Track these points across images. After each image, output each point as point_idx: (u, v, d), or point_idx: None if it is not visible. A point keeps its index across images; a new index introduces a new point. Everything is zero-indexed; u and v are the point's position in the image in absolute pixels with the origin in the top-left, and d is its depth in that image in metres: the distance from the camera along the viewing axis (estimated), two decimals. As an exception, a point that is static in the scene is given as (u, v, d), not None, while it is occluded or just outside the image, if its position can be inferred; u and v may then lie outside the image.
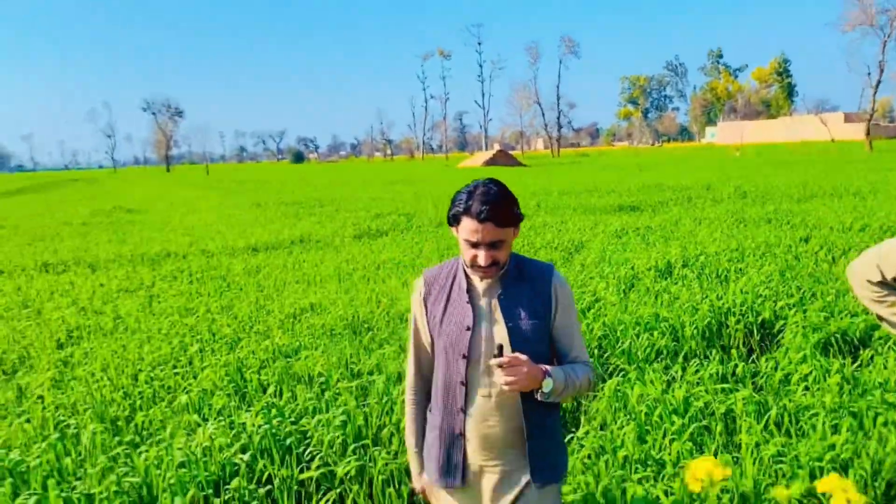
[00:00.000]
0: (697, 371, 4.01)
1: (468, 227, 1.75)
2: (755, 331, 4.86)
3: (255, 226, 13.66)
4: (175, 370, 4.38)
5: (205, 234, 12.44)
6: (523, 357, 1.73)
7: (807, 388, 3.62)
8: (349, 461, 2.90)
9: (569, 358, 1.92)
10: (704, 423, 3.24)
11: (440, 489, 1.94)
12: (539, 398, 1.79)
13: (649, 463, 2.88)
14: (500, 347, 1.74)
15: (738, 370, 4.02)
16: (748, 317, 5.00)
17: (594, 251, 8.14)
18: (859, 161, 29.22)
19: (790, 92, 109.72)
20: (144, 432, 3.46)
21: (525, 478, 1.87)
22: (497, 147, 75.94)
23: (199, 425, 3.35)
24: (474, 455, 1.88)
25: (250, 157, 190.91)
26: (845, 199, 12.80)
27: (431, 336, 1.91)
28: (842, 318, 4.69)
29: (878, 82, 39.52)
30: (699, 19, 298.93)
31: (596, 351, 4.59)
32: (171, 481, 2.70)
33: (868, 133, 39.33)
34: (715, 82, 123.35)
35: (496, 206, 1.73)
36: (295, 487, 2.80)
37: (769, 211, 11.46)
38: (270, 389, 3.84)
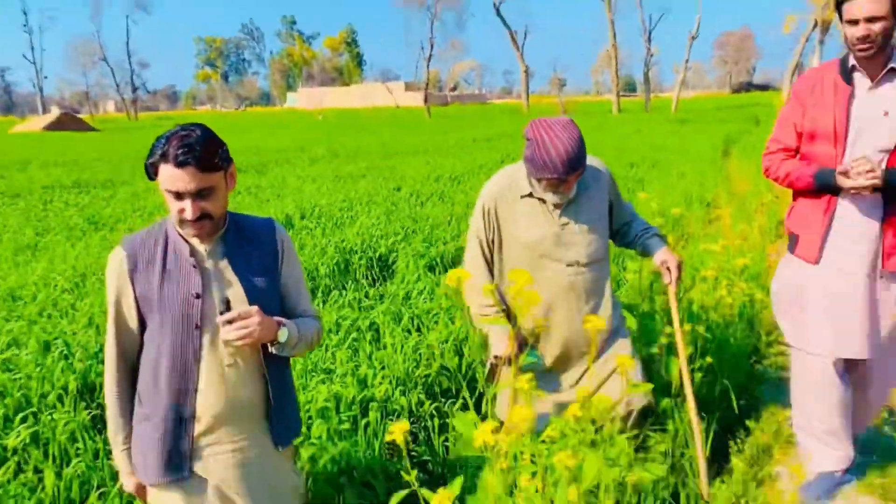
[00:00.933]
0: (337, 301, 4.63)
1: (168, 175, 1.59)
2: (375, 264, 5.71)
3: None
4: None
5: None
6: (253, 308, 1.66)
7: (425, 299, 4.52)
8: (18, 431, 2.72)
9: (297, 311, 1.87)
10: (354, 335, 3.85)
11: (159, 488, 1.76)
12: (274, 351, 1.73)
13: (323, 371, 3.37)
14: (227, 301, 1.68)
15: (371, 293, 4.77)
16: (368, 253, 5.82)
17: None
18: (422, 124, 34.01)
19: (360, 61, 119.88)
20: None
21: (262, 447, 1.80)
22: (58, 110, 66.23)
23: None
24: (204, 438, 1.75)
25: None
26: (419, 156, 15.04)
27: (142, 315, 1.72)
28: (438, 246, 5.84)
29: (430, 56, 46.33)
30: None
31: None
32: None
33: (426, 101, 45.80)
34: (291, 49, 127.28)
35: (197, 147, 1.58)
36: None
37: (362, 167, 12.87)
38: None
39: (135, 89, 71.46)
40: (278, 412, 1.81)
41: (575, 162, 2.23)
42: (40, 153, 19.76)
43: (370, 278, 5.48)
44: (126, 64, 70.42)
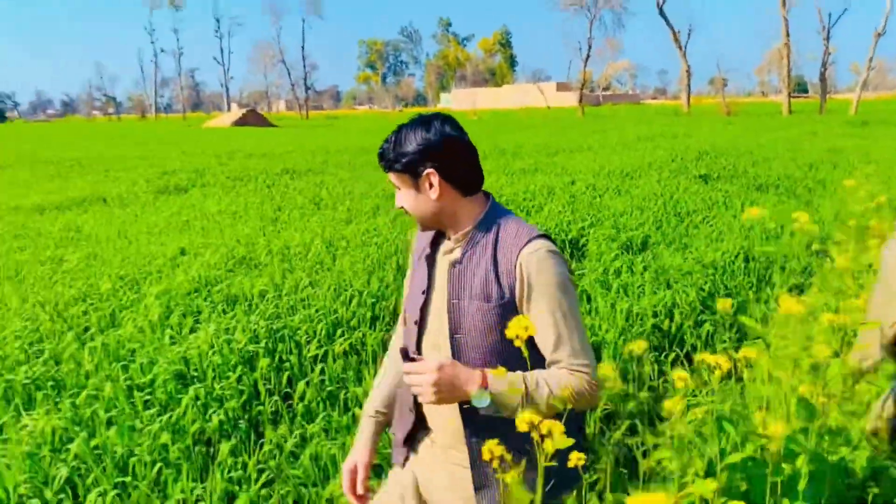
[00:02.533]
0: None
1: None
2: (567, 245, 6.41)
3: (16, 187, 12.43)
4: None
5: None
6: (431, 364, 1.41)
7: (621, 273, 5.15)
8: (340, 342, 3.70)
9: (548, 359, 1.52)
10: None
11: (393, 469, 1.77)
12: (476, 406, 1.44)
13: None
14: (405, 351, 1.47)
15: (574, 268, 5.48)
16: (560, 235, 6.53)
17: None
18: (577, 124, 34.24)
19: (512, 62, 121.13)
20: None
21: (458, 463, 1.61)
22: (237, 107, 73.25)
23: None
24: (421, 432, 1.71)
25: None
26: (583, 153, 15.55)
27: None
28: (627, 232, 6.44)
29: (588, 56, 46.39)
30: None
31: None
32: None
33: (581, 100, 45.88)
34: (446, 50, 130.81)
35: (385, 147, 1.61)
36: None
37: (530, 163, 13.61)
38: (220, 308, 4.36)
39: (307, 89, 77.25)
40: (478, 450, 1.46)
41: None
42: (238, 146, 22.34)
43: (568, 259, 6.19)
44: (300, 65, 76.38)
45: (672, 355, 3.70)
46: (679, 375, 1.51)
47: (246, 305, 4.23)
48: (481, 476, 1.56)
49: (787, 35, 38.66)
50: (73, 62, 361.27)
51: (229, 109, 74.90)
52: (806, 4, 70.89)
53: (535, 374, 1.47)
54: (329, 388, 3.18)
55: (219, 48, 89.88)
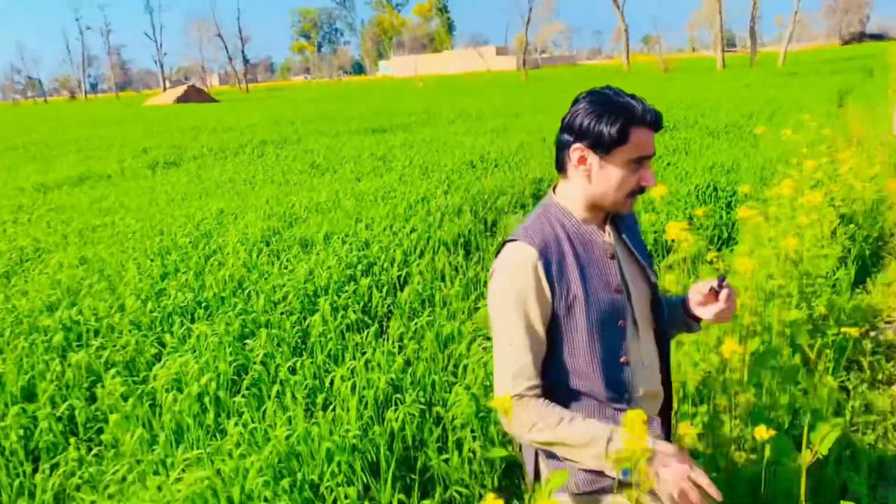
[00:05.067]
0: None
1: (643, 140, 1.46)
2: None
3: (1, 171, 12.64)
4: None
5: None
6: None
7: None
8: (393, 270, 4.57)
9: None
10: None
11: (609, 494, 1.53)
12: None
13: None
14: (723, 277, 1.57)
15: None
16: (555, 180, 7.48)
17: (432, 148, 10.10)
18: (525, 87, 35.23)
19: (450, 27, 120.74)
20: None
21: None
22: (169, 84, 71.40)
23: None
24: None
25: None
26: (544, 114, 16.53)
27: (559, 317, 1.51)
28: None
29: (529, 20, 47.30)
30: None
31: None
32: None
33: (524, 64, 46.84)
34: (381, 17, 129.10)
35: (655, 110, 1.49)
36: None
37: (499, 124, 14.53)
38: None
39: (246, 62, 75.78)
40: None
41: None
42: (196, 122, 22.47)
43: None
44: (237, 38, 74.76)
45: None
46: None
47: (322, 245, 5.05)
48: None
49: (718, -8, 40.31)
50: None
51: (164, 87, 72.97)
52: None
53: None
54: (425, 293, 4.07)
55: (150, 24, 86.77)
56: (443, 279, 4.38)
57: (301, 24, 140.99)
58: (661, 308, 1.67)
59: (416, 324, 3.62)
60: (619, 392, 1.57)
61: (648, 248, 2.01)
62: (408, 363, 3.16)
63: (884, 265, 4.63)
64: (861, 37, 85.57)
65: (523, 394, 1.50)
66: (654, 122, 1.48)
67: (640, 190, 1.52)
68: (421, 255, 4.78)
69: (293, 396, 2.80)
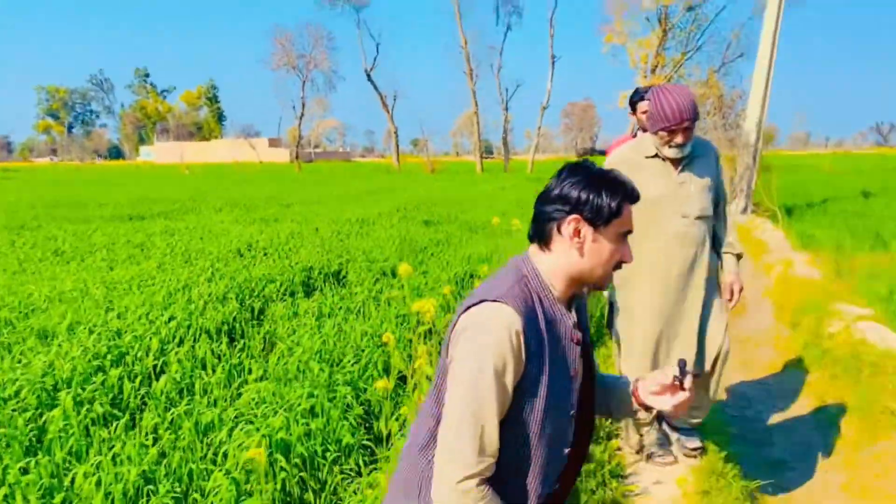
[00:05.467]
0: (318, 299, 6.42)
1: (630, 215, 1.48)
2: (330, 277, 7.51)
3: None
4: None
5: None
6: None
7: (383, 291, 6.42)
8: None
9: None
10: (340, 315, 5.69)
11: None
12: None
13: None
14: (684, 363, 1.51)
15: (340, 294, 6.61)
16: (324, 269, 7.62)
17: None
18: (298, 179, 35.56)
19: (220, 116, 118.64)
20: None
21: None
22: None
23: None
24: None
25: None
26: (316, 205, 16.81)
27: (520, 398, 1.41)
28: (380, 263, 7.78)
29: (302, 115, 48.36)
30: (125, 35, 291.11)
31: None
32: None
33: (298, 157, 47.41)
34: (144, 101, 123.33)
35: None
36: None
37: (270, 213, 14.46)
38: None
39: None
40: None
41: (691, 109, 2.76)
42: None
43: (331, 287, 7.30)
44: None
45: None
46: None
47: (65, 336, 4.60)
48: None
49: (476, 104, 44.99)
50: None
51: None
52: (488, 79, 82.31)
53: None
54: (184, 382, 3.88)
55: None
56: (204, 367, 4.22)
57: (49, 103, 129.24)
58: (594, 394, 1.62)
59: (172, 413, 3.43)
60: (549, 484, 1.50)
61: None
62: (163, 454, 2.98)
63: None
64: (592, 151, 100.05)
65: (485, 475, 1.37)
66: (638, 198, 1.50)
67: (619, 265, 1.50)
68: (180, 344, 4.57)
69: (25, 498, 2.49)
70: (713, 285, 3.15)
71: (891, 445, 3.84)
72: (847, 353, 4.95)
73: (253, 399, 3.48)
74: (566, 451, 1.52)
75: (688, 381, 1.51)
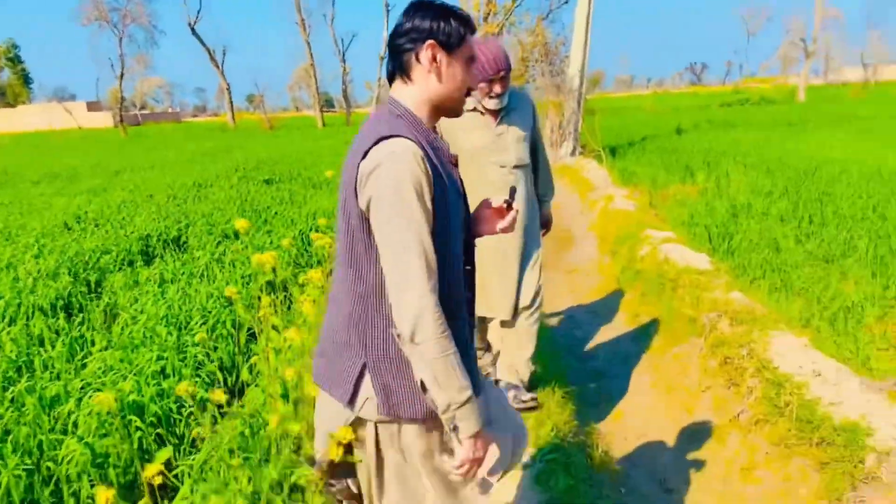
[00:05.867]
0: (158, 266, 6.25)
1: (471, 42, 1.61)
2: (171, 243, 7.29)
3: None
4: None
5: None
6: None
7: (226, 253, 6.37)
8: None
9: None
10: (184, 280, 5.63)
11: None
12: None
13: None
14: (514, 190, 1.74)
15: (181, 260, 6.48)
16: (163, 237, 7.37)
17: None
18: (126, 144, 33.01)
19: (26, 79, 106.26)
20: None
21: None
22: None
23: None
24: None
25: None
26: (149, 171, 15.87)
27: (434, 218, 1.48)
28: (221, 226, 7.63)
29: (122, 74, 44.42)
30: None
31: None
32: None
33: (122, 120, 43.77)
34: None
35: None
36: None
37: (98, 184, 13.50)
38: None
39: None
40: None
41: (504, 59, 2.97)
42: None
43: (171, 253, 7.10)
44: None
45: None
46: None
47: None
48: None
49: (311, 56, 43.69)
50: None
51: None
52: (322, 30, 79.78)
53: None
54: (20, 360, 3.75)
55: None
56: (42, 344, 4.07)
57: None
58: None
59: (12, 392, 3.34)
60: (458, 301, 1.59)
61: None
62: (7, 432, 2.93)
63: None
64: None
65: (436, 292, 1.45)
66: (475, 29, 1.61)
67: (468, 92, 1.61)
68: (11, 323, 4.35)
69: None
70: (531, 234, 3.36)
71: (688, 347, 4.52)
72: (654, 272, 5.66)
73: (99, 368, 3.46)
74: (467, 267, 1.65)
75: (516, 204, 1.71)
